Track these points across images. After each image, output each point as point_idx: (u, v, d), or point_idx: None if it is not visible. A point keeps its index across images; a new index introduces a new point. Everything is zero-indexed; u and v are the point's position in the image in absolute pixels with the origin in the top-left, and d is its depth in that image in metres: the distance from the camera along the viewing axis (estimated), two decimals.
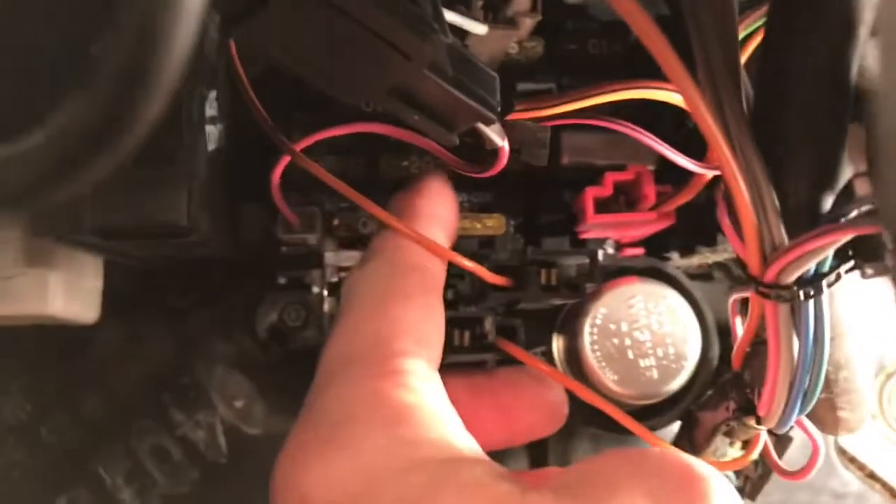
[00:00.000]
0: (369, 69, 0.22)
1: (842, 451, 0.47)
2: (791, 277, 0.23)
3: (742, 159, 0.22)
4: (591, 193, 0.34)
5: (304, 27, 0.21)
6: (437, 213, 0.32)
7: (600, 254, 0.38)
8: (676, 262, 0.40)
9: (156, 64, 0.15)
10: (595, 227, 0.34)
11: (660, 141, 0.32)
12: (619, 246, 0.38)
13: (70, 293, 0.34)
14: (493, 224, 0.37)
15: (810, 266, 0.23)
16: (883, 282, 0.49)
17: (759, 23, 0.28)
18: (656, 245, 0.39)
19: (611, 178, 0.34)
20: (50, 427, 0.42)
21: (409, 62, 0.22)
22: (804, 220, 0.23)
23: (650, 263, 0.38)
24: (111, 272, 0.37)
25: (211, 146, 0.33)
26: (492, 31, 0.33)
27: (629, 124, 0.32)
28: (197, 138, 0.31)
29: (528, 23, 0.33)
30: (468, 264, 0.31)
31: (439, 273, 0.31)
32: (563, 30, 0.39)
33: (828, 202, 0.23)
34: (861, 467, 0.47)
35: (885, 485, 0.47)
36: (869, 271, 0.23)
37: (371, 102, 0.24)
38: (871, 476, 0.48)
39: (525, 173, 0.38)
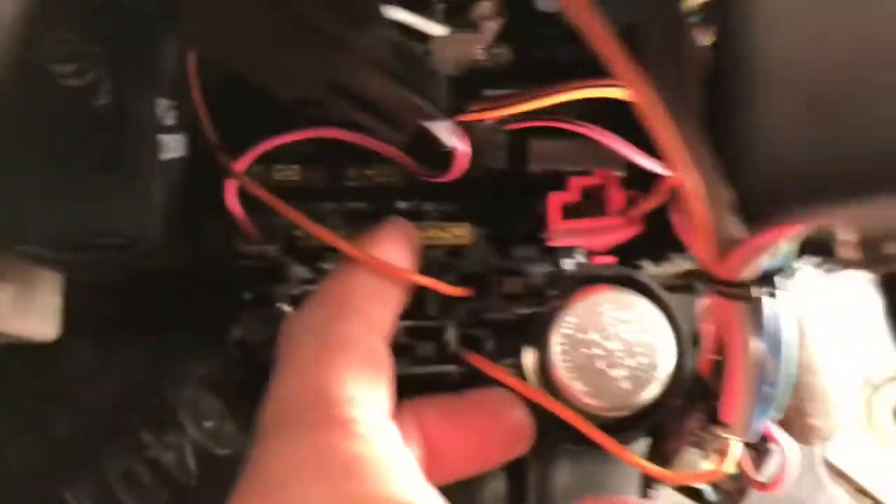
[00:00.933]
0: (307, 63, 0.22)
1: (830, 466, 0.46)
2: (747, 274, 0.23)
3: (693, 155, 0.22)
4: (556, 199, 0.33)
5: (237, 20, 0.20)
6: (393, 234, 0.32)
7: (570, 262, 0.37)
8: (651, 270, 0.39)
9: None
10: (562, 233, 0.34)
11: (626, 143, 0.32)
12: (590, 254, 0.38)
13: (23, 309, 0.33)
14: (460, 233, 0.36)
15: (767, 262, 0.23)
16: (869, 292, 0.48)
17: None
18: (628, 253, 0.38)
19: (577, 183, 0.33)
20: (16, 449, 0.41)
21: (347, 56, 0.21)
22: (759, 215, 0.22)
23: (622, 272, 0.37)
24: (78, 291, 0.37)
25: (167, 155, 0.32)
26: (455, 35, 0.32)
27: (594, 126, 0.32)
28: (149, 146, 0.30)
29: (491, 27, 0.33)
30: (420, 279, 0.30)
31: (384, 308, 0.30)
32: (532, 36, 0.39)
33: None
34: (849, 481, 0.46)
35: (874, 499, 0.46)
36: (828, 267, 0.22)
37: (317, 104, 0.24)
38: (860, 491, 0.46)
39: (493, 181, 0.37)
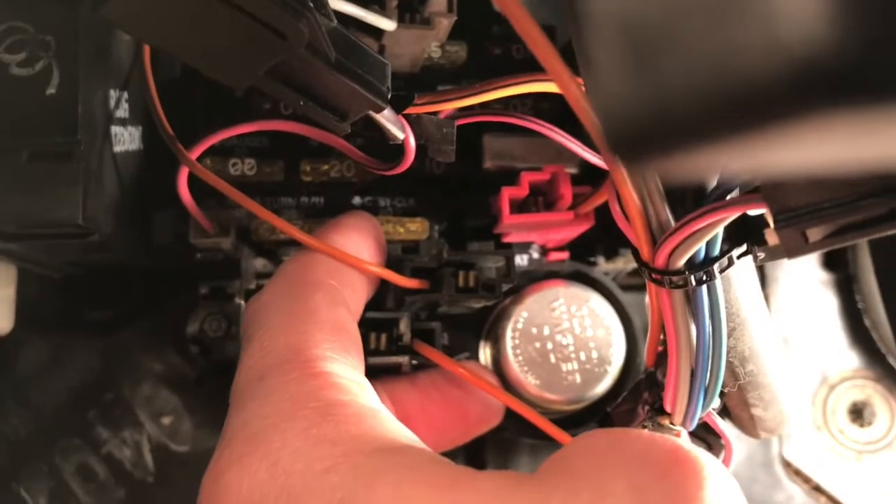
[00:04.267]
0: (243, 49, 0.22)
1: (787, 464, 0.47)
2: (681, 261, 0.23)
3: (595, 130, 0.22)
4: (506, 193, 0.33)
5: (171, 4, 0.20)
6: (350, 223, 0.32)
7: (524, 258, 0.37)
8: (604, 266, 0.39)
9: None
10: (512, 227, 0.34)
11: (573, 139, 0.32)
12: (545, 250, 0.38)
13: None
14: (416, 228, 0.36)
15: (699, 249, 0.23)
16: (823, 291, 0.49)
17: None
18: (581, 249, 0.38)
19: (526, 178, 0.33)
20: None
21: (284, 42, 0.21)
22: (690, 202, 0.23)
23: (575, 267, 0.37)
24: (31, 285, 0.37)
25: (118, 147, 0.32)
26: (408, 31, 0.33)
27: (544, 122, 0.32)
28: (100, 137, 0.30)
29: (444, 23, 0.33)
30: (374, 270, 0.30)
31: (347, 288, 0.29)
32: (488, 34, 0.39)
33: (713, 182, 0.23)
34: (806, 480, 0.47)
35: (830, 498, 0.46)
36: (760, 255, 0.23)
37: (263, 94, 0.24)
38: (817, 489, 0.47)
39: (449, 178, 0.38)
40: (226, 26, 0.21)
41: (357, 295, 0.30)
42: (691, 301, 0.24)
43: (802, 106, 0.08)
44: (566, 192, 0.33)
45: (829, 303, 0.49)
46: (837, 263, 0.49)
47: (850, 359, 0.48)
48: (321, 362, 0.25)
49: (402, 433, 0.24)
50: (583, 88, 0.20)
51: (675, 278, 0.23)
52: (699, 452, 0.21)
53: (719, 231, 0.23)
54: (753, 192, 0.22)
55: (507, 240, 0.37)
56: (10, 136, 0.28)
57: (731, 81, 0.08)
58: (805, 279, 0.49)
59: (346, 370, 0.26)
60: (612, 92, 0.10)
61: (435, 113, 0.29)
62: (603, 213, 0.35)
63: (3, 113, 0.28)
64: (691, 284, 0.23)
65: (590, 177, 0.36)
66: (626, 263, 0.39)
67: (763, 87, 0.08)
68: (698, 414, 0.26)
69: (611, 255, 0.38)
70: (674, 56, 0.09)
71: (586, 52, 0.10)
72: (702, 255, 0.23)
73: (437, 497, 0.20)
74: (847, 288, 0.48)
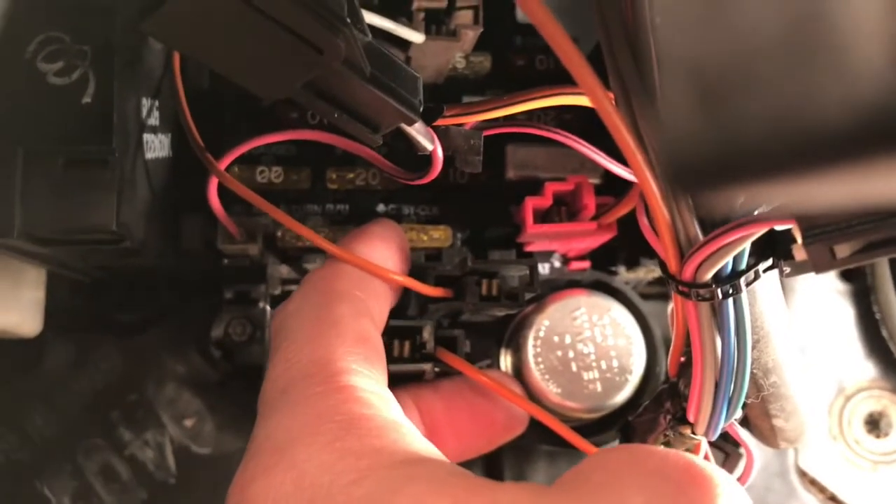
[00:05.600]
0: (281, 63, 0.22)
1: (802, 474, 0.47)
2: (708, 275, 0.23)
3: (653, 156, 0.22)
4: (530, 203, 0.34)
5: (212, 19, 0.21)
6: (375, 232, 0.32)
7: (546, 266, 0.38)
8: (624, 276, 0.39)
9: None
10: (536, 237, 0.34)
11: (597, 150, 0.32)
12: (566, 260, 0.38)
13: (5, 303, 0.33)
14: (439, 236, 0.37)
15: (727, 262, 0.23)
16: (840, 301, 0.49)
17: None
18: (603, 258, 0.39)
19: (550, 188, 0.34)
20: None
21: (320, 57, 0.22)
22: (719, 216, 0.23)
23: (596, 277, 0.38)
24: (60, 288, 0.37)
25: (150, 154, 0.33)
26: (434, 43, 0.33)
27: (568, 133, 0.32)
28: (133, 145, 0.31)
29: (470, 35, 0.34)
30: (398, 279, 0.30)
31: (372, 299, 0.30)
32: (511, 46, 0.40)
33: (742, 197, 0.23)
34: (822, 490, 0.47)
35: None
36: (787, 269, 0.23)
37: (296, 105, 0.24)
38: (833, 499, 0.47)
39: (472, 187, 0.38)
40: (264, 40, 0.22)
41: (381, 305, 0.31)
42: (717, 314, 0.24)
43: (873, 147, 0.08)
44: (590, 202, 0.34)
45: (846, 313, 0.49)
46: (855, 274, 0.49)
47: (867, 369, 0.48)
48: (345, 376, 0.26)
49: (424, 446, 0.24)
50: (614, 104, 0.21)
51: (702, 291, 0.24)
52: (713, 469, 0.21)
53: (747, 245, 0.23)
54: (782, 207, 0.22)
55: (528, 249, 0.37)
56: (47, 144, 0.28)
57: (804, 123, 0.08)
58: (822, 289, 0.49)
59: (368, 383, 0.26)
60: (679, 126, 0.10)
61: (461, 124, 0.29)
62: (624, 223, 0.36)
63: (40, 121, 0.29)
64: (718, 297, 0.24)
65: (612, 187, 0.36)
66: (646, 273, 0.39)
67: (837, 129, 0.08)
68: (721, 424, 0.27)
69: (632, 264, 0.39)
70: (747, 98, 0.09)
71: (655, 88, 0.10)
72: (729, 268, 0.23)
73: None
74: (864, 298, 0.48)
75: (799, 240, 0.21)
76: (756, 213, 0.22)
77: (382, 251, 0.31)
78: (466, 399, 0.34)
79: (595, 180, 0.37)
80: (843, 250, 0.21)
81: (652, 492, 0.21)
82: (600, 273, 0.38)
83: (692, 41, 0.10)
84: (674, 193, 0.18)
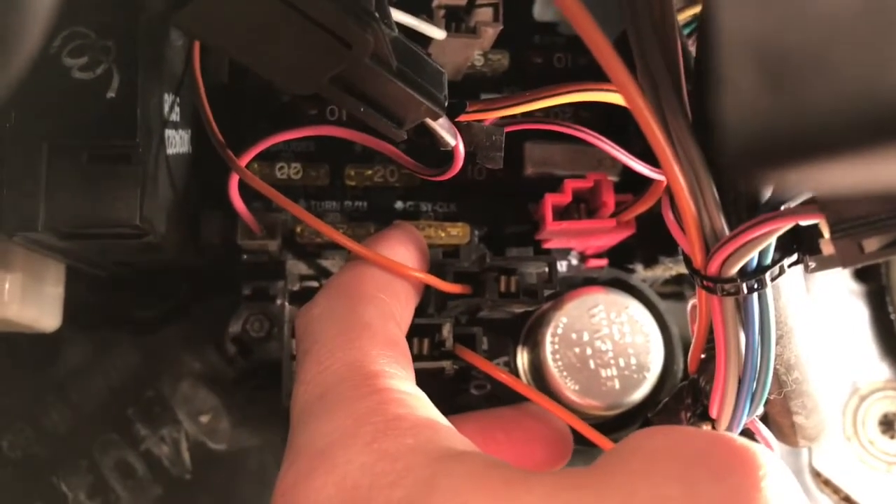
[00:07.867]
0: (309, 57, 0.22)
1: (816, 474, 0.47)
2: (733, 269, 0.23)
3: (680, 151, 0.22)
4: (550, 200, 0.34)
5: (242, 13, 0.21)
6: (395, 235, 0.32)
7: (563, 264, 0.38)
8: (642, 274, 0.39)
9: None
10: (555, 234, 0.34)
11: (618, 147, 0.32)
12: (584, 257, 0.38)
13: (28, 297, 0.34)
14: (457, 233, 0.37)
15: (752, 257, 0.23)
16: (855, 302, 0.49)
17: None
18: (620, 256, 0.39)
19: (570, 185, 0.34)
20: (11, 440, 0.41)
21: (349, 51, 0.22)
22: (745, 211, 0.23)
23: (614, 274, 0.38)
24: (78, 284, 0.37)
25: (171, 150, 0.33)
26: (454, 40, 0.33)
27: (587, 130, 0.32)
28: (156, 140, 0.31)
29: (490, 32, 0.34)
30: (420, 276, 0.30)
31: (396, 302, 0.30)
32: (530, 44, 0.40)
33: (768, 192, 0.23)
34: (836, 490, 0.47)
35: None
36: (812, 264, 0.23)
37: (320, 99, 0.24)
38: (847, 500, 0.47)
39: (490, 183, 0.38)
40: (294, 34, 0.22)
41: (405, 309, 0.31)
42: (742, 309, 0.24)
43: None
44: (609, 199, 0.34)
45: (860, 313, 0.49)
46: (870, 274, 0.49)
47: (881, 370, 0.48)
48: (380, 378, 0.26)
49: (459, 440, 0.24)
50: (646, 99, 0.21)
51: (727, 286, 0.24)
52: (756, 450, 0.20)
53: (773, 240, 0.23)
54: (810, 201, 0.22)
55: (546, 246, 0.37)
56: (71, 138, 0.29)
57: (877, 101, 0.08)
58: (837, 290, 0.49)
59: (401, 383, 0.26)
60: (743, 108, 0.10)
61: (481, 120, 0.30)
62: (643, 221, 0.36)
63: (64, 115, 0.29)
64: (743, 292, 0.24)
65: (631, 185, 0.36)
66: (664, 271, 0.39)
67: None
68: (743, 420, 0.27)
69: (649, 262, 0.39)
70: (816, 77, 0.09)
71: (717, 70, 0.10)
72: (754, 263, 0.24)
73: (494, 500, 0.21)
74: (879, 299, 0.48)
75: (826, 234, 0.21)
76: (783, 207, 0.22)
77: (403, 253, 0.31)
78: (506, 431, 0.34)
79: (613, 178, 0.37)
80: (871, 244, 0.21)
81: (693, 477, 0.20)
82: (618, 271, 0.38)
83: (757, 19, 0.10)
84: (733, 176, 0.18)
